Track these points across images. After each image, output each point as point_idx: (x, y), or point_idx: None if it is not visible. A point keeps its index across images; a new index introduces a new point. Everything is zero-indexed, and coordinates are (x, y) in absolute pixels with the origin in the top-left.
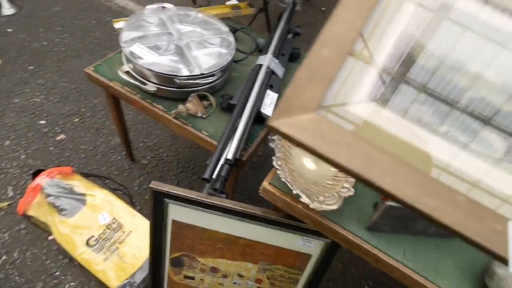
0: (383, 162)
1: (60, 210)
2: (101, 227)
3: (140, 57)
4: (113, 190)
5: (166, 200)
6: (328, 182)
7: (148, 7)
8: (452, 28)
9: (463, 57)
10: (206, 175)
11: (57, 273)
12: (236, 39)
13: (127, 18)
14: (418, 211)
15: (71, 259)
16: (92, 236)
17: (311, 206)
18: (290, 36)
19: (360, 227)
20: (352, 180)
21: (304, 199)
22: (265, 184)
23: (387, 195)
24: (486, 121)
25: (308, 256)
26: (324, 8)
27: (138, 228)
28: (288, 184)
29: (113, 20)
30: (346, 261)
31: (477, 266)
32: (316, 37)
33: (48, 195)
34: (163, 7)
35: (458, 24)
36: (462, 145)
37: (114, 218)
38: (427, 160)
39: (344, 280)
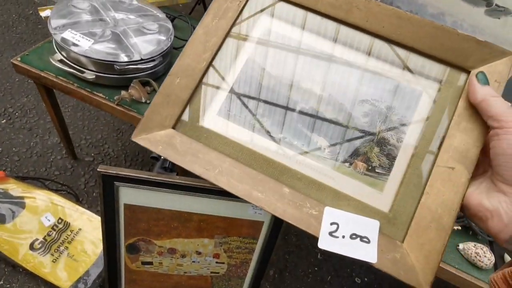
0: (222, 165)
1: None
2: (46, 229)
3: (74, 44)
4: (56, 191)
5: (116, 183)
6: None
7: None
8: (287, 55)
9: (296, 77)
10: (154, 153)
11: (1, 283)
12: (174, 27)
13: (53, 6)
14: (249, 202)
15: (15, 266)
16: (36, 239)
17: None
18: None
19: None
20: None
21: None
22: None
23: (224, 192)
24: (313, 128)
25: (261, 224)
26: None
27: (87, 224)
28: None
29: (38, 8)
30: (300, 234)
31: None
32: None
33: None
34: None
35: (292, 51)
36: (295, 147)
37: (59, 218)
38: (262, 160)
39: (299, 251)
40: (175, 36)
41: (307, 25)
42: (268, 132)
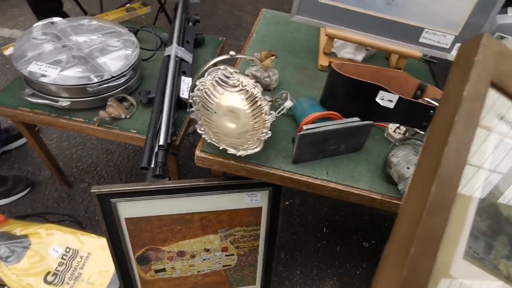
0: None
1: (5, 259)
2: (56, 260)
3: (42, 75)
4: (58, 222)
5: (113, 200)
6: (249, 133)
7: (36, 25)
8: None
9: None
10: (143, 164)
11: None
12: (139, 39)
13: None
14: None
15: None
16: (49, 272)
17: (238, 154)
18: (190, 24)
19: (287, 163)
20: (269, 125)
21: (231, 150)
22: (198, 152)
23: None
24: None
25: (259, 209)
26: None
27: (95, 247)
28: (214, 143)
29: (1, 48)
30: (302, 214)
31: (381, 165)
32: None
33: None
34: (52, 22)
35: None
36: None
37: (67, 248)
38: None
39: (305, 229)
40: (141, 48)
41: None
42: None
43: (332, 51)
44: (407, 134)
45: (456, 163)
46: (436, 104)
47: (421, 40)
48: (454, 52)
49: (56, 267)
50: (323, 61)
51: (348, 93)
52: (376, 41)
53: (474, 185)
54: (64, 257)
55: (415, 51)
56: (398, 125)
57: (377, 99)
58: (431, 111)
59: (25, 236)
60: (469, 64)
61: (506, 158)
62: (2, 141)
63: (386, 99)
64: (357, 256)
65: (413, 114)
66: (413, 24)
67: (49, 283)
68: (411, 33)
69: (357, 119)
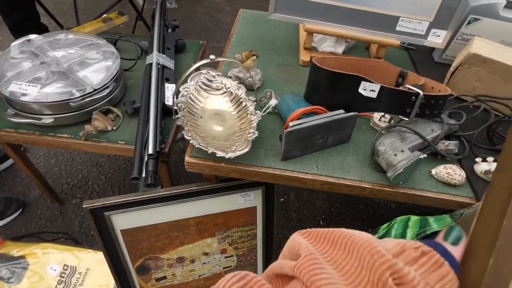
0: None
1: (7, 280)
2: (55, 278)
3: (23, 94)
4: (53, 241)
5: (106, 213)
6: (236, 134)
7: (13, 44)
8: None
9: None
10: (134, 174)
11: None
12: (119, 49)
13: None
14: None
15: None
16: None
17: (227, 156)
18: (170, 30)
19: (276, 161)
20: (255, 125)
21: (220, 153)
22: (187, 158)
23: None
24: None
25: (254, 209)
26: None
27: (93, 262)
28: (203, 148)
29: None
30: (298, 209)
31: (369, 154)
32: None
33: None
34: (29, 40)
35: None
36: None
37: (65, 265)
38: None
39: (302, 224)
40: (122, 58)
41: None
42: None
43: (312, 45)
44: (392, 122)
45: None
46: (417, 90)
47: (397, 28)
48: (430, 38)
49: (56, 286)
50: (304, 56)
51: (331, 86)
52: (355, 32)
53: None
54: (62, 275)
55: (393, 40)
56: (382, 113)
57: (360, 90)
58: (413, 97)
59: (23, 257)
60: None
61: None
62: None
63: (368, 89)
64: None
65: (396, 101)
66: (389, 14)
67: None
68: (388, 23)
69: (342, 111)
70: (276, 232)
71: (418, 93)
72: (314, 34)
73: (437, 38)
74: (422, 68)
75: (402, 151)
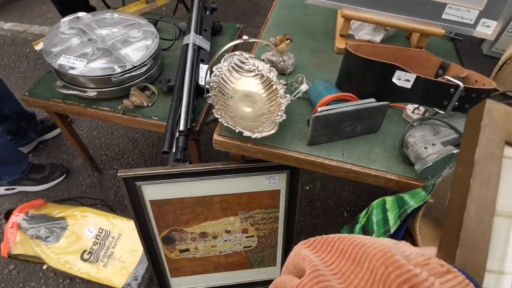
0: None
1: (45, 239)
2: (90, 240)
3: (71, 67)
4: (92, 206)
5: (138, 183)
6: (264, 116)
7: (63, 20)
8: None
9: None
10: (165, 148)
11: None
12: (159, 29)
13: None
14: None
15: (72, 278)
16: (85, 251)
17: (253, 136)
18: (208, 12)
19: (302, 145)
20: (284, 108)
21: (247, 133)
22: (215, 136)
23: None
24: None
25: (278, 192)
26: None
27: (125, 229)
28: (231, 126)
29: (32, 43)
30: (323, 198)
31: (398, 146)
32: None
33: (28, 229)
34: (78, 17)
35: None
36: None
37: (100, 228)
38: None
39: (325, 213)
40: (160, 38)
41: None
42: None
43: (349, 33)
44: (426, 115)
45: (479, 226)
46: (457, 82)
47: (443, 16)
48: (479, 28)
49: (91, 246)
50: (340, 43)
51: (363, 74)
52: (395, 20)
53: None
54: (98, 237)
55: (437, 28)
56: (416, 105)
57: (394, 79)
58: (452, 90)
59: (63, 218)
60: (477, 129)
61: None
62: (39, 131)
63: (403, 79)
64: None
65: (432, 93)
66: (435, 0)
67: (85, 260)
68: (433, 10)
69: (373, 100)
70: (299, 219)
71: (458, 85)
72: (352, 21)
73: (487, 29)
74: (468, 60)
75: (433, 144)
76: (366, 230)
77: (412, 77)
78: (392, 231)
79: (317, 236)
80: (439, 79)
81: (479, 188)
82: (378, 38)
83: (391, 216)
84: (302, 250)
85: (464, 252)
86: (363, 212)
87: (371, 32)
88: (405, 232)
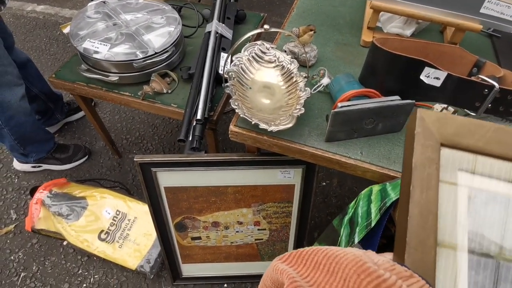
0: None
1: (66, 216)
2: (108, 220)
3: (95, 51)
4: (110, 188)
5: (153, 169)
6: (282, 109)
7: (90, 4)
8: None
9: None
10: (181, 136)
11: (80, 271)
12: (182, 16)
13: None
14: None
15: (90, 256)
16: (102, 231)
17: (269, 129)
18: (232, 0)
19: (320, 141)
20: (303, 101)
21: (263, 125)
22: (232, 127)
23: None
24: None
25: (292, 187)
26: None
27: (140, 213)
28: (247, 118)
29: (60, 26)
30: (339, 195)
31: None
32: None
33: (51, 206)
34: (104, 2)
35: None
36: None
37: (117, 210)
38: None
39: (340, 211)
40: (183, 25)
41: None
42: None
43: (377, 25)
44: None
45: (423, 227)
46: (492, 82)
47: (482, 10)
48: None
49: (108, 227)
50: (367, 36)
51: (389, 70)
52: (429, 12)
53: (458, 238)
54: (115, 218)
55: (475, 23)
56: (445, 105)
57: (422, 77)
58: (485, 90)
59: (83, 197)
60: (412, 137)
61: (483, 206)
62: (65, 113)
63: (432, 77)
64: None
65: (464, 93)
66: None
67: (102, 240)
68: (471, 3)
69: (397, 97)
70: (313, 215)
71: (493, 86)
72: (381, 12)
73: None
74: (506, 59)
75: None
76: (353, 222)
77: (442, 74)
78: (373, 224)
79: (292, 251)
80: (473, 78)
81: (419, 192)
82: (408, 32)
83: (373, 209)
84: (279, 265)
85: (411, 255)
86: (352, 203)
87: (401, 25)
88: (389, 221)
